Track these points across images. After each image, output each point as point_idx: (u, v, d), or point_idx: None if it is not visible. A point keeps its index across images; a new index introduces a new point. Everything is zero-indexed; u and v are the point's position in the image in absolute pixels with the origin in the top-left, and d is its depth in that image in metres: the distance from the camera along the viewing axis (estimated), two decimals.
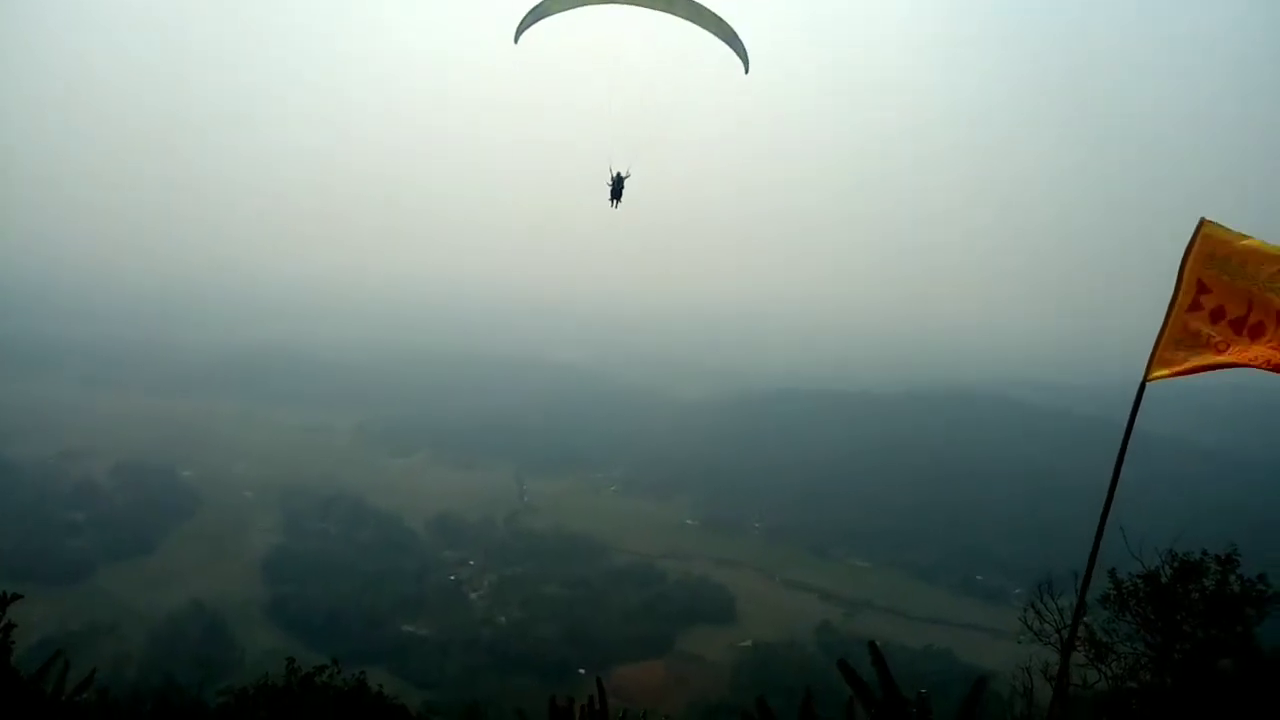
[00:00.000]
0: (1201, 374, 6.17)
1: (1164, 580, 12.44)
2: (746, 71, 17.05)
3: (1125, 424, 6.45)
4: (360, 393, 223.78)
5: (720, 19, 15.82)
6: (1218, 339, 5.83)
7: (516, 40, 16.85)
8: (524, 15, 16.29)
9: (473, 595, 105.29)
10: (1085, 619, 12.79)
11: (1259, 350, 5.67)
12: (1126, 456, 6.39)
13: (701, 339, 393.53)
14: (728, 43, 16.34)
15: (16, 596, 9.32)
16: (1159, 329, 6.16)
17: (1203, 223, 6.20)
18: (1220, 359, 5.89)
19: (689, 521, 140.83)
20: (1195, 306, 6.02)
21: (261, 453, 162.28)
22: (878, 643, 8.60)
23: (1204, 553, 12.49)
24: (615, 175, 19.56)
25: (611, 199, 19.94)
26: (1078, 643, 12.60)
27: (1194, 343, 5.98)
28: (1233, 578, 12.14)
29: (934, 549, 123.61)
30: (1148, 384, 6.20)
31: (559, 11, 16.09)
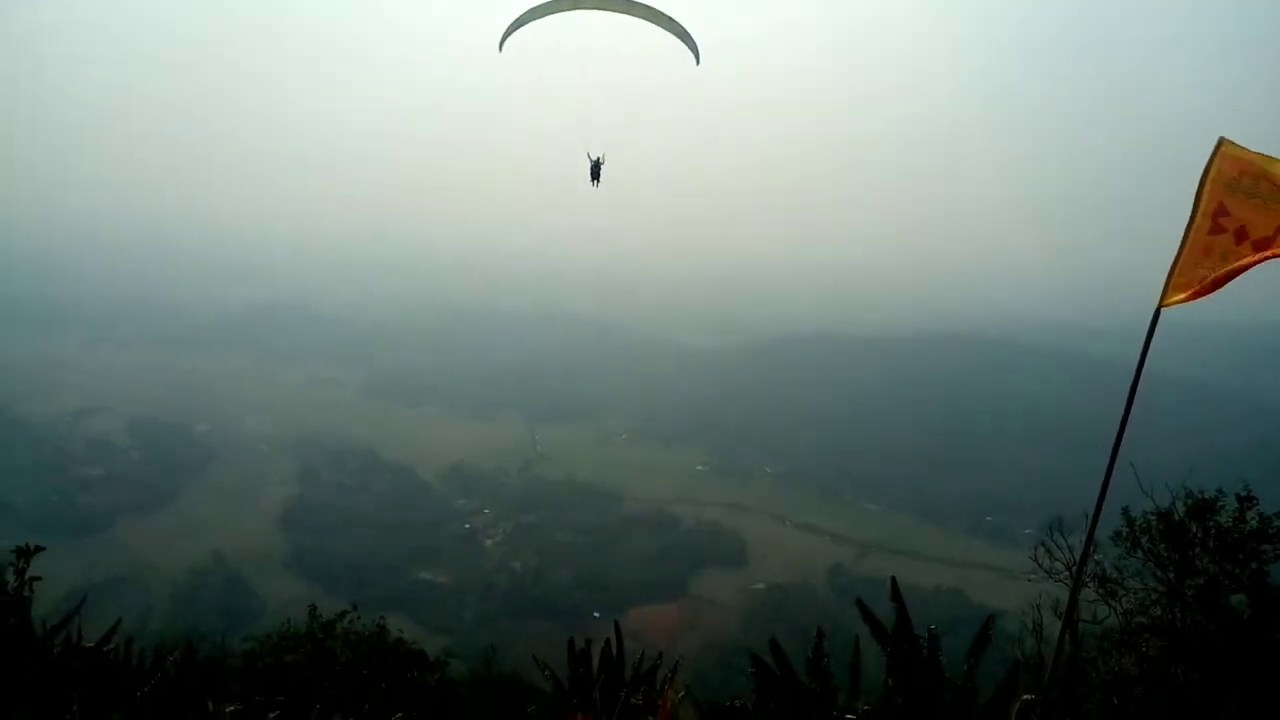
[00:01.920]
0: (1216, 303, 5.93)
1: (1178, 517, 12.40)
2: (698, 63, 18.78)
3: (1136, 364, 6.23)
4: (368, 346, 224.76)
5: (672, 19, 17.46)
6: (1241, 258, 5.56)
7: (500, 48, 18.50)
8: (506, 26, 18.11)
9: (488, 543, 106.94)
10: (1096, 556, 12.80)
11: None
12: (1140, 398, 6.19)
13: (709, 288, 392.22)
14: (681, 39, 18.03)
15: (39, 549, 9.60)
16: (1174, 256, 5.89)
17: (1221, 142, 5.88)
18: (1239, 264, 5.62)
19: (700, 468, 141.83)
20: (1216, 229, 5.72)
21: (274, 408, 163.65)
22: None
23: (1219, 490, 12.41)
24: (594, 160, 21.40)
25: (592, 179, 21.74)
26: (1088, 579, 12.64)
27: (1214, 264, 5.71)
28: (1251, 514, 12.07)
29: (944, 491, 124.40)
30: (1163, 311, 5.96)
31: (532, 20, 17.68)
